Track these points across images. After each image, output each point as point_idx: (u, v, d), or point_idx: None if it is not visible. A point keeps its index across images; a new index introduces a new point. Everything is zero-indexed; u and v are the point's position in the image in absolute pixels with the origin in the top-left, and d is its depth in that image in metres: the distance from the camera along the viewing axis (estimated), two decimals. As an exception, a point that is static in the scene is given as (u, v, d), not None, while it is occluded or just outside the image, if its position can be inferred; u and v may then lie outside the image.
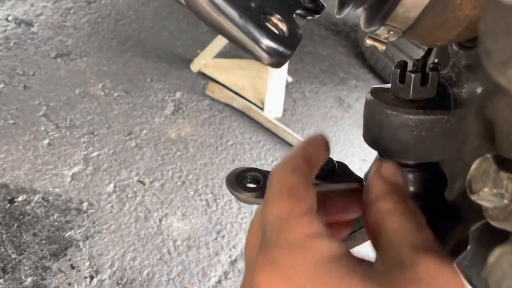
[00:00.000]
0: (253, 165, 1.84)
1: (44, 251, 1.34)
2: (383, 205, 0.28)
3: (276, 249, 0.24)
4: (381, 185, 0.29)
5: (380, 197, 0.29)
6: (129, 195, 1.57)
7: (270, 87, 2.06)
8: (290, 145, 1.98)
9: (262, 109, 2.08)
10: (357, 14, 0.38)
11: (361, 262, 0.26)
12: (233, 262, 1.48)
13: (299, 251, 0.24)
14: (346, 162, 0.39)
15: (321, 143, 0.32)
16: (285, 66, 2.12)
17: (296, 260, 0.23)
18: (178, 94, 2.08)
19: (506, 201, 0.25)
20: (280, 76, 2.07)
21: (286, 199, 0.26)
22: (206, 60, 2.21)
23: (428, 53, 0.44)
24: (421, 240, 0.27)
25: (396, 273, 0.25)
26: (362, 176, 0.39)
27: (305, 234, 0.25)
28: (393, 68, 0.35)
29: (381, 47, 0.35)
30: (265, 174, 0.41)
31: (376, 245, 0.28)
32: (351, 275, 0.24)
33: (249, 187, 0.38)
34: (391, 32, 0.33)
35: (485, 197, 0.26)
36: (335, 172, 0.38)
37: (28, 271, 1.29)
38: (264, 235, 0.26)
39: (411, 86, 0.34)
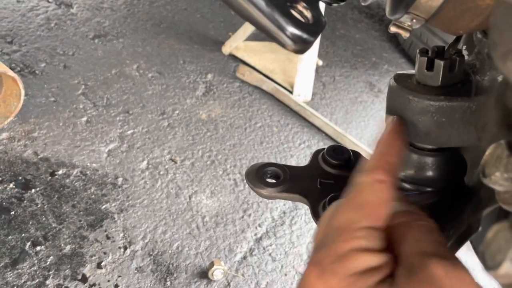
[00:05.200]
0: (280, 148, 1.86)
1: (82, 222, 1.43)
2: (402, 219, 0.33)
3: (326, 255, 0.30)
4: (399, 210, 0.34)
5: (398, 215, 0.33)
6: (161, 172, 1.64)
7: (300, 71, 2.06)
8: (318, 129, 1.98)
9: (291, 92, 2.08)
10: None
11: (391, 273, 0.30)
12: (258, 240, 1.53)
13: (341, 261, 0.29)
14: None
15: (396, 138, 0.35)
16: (316, 50, 2.10)
17: (336, 268, 0.29)
18: (209, 76, 2.12)
19: (516, 186, 0.26)
20: (310, 59, 2.06)
21: (352, 211, 0.31)
22: (237, 43, 2.22)
23: (456, 40, 0.44)
24: (429, 246, 0.30)
25: (410, 278, 0.29)
26: None
27: (353, 247, 0.30)
28: (419, 56, 0.36)
29: (405, 34, 0.36)
30: (283, 168, 0.42)
31: (397, 255, 0.31)
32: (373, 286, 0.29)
33: (270, 183, 0.39)
34: (414, 20, 0.34)
35: (497, 181, 0.27)
36: (351, 161, 0.40)
37: (67, 240, 1.38)
38: (324, 236, 0.31)
39: (441, 73, 0.35)
